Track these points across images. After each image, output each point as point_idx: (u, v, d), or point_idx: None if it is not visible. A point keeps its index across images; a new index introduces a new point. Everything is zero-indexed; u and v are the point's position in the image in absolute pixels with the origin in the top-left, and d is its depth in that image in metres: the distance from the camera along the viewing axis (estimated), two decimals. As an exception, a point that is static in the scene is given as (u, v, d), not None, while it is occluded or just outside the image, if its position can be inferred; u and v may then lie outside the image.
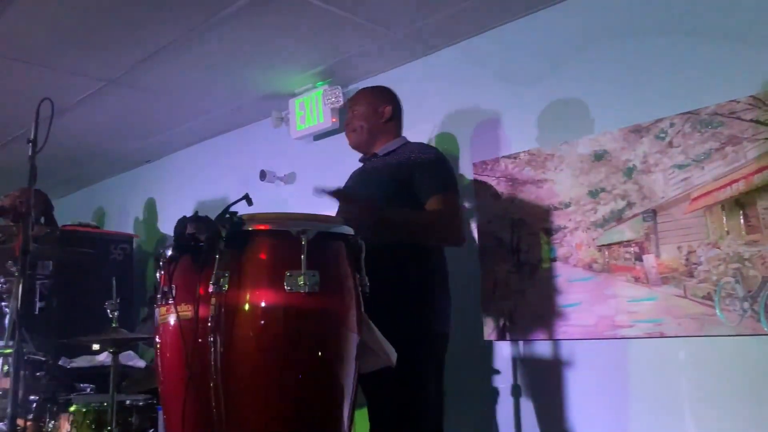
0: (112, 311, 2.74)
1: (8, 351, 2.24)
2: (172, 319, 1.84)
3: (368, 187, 2.36)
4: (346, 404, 1.58)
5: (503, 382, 2.92)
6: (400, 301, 2.12)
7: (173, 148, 4.93)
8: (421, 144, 2.42)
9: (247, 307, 1.54)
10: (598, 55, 2.76)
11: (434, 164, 2.29)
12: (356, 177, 2.50)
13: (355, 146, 2.48)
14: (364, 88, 2.62)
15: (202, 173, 4.74)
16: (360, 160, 2.52)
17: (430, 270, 2.29)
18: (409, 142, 2.45)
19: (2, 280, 3.21)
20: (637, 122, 2.60)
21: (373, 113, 2.44)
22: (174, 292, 1.84)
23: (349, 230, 1.68)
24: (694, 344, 2.39)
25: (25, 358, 2.91)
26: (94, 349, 3.50)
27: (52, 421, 2.86)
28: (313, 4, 2.85)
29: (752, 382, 2.25)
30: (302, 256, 1.51)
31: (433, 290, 2.27)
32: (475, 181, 3.11)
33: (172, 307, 1.82)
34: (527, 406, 2.83)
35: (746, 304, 2.26)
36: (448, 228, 2.23)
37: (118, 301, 2.77)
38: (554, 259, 2.80)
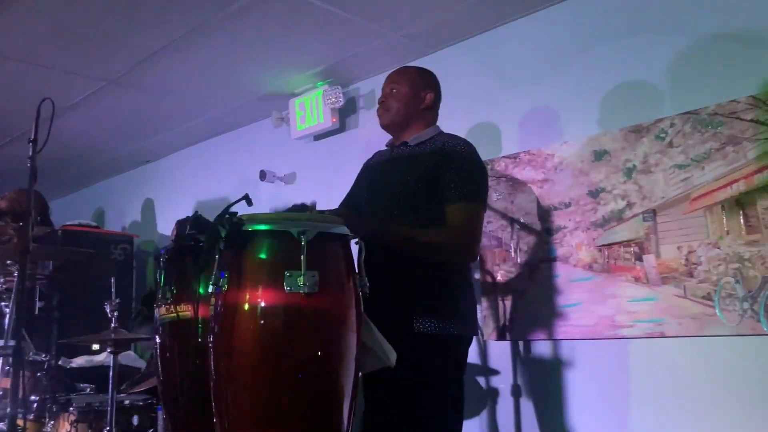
0: (111, 311, 2.74)
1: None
2: (171, 320, 1.85)
3: (394, 180, 2.17)
4: (346, 404, 1.58)
5: (503, 382, 2.92)
6: (416, 301, 2.02)
7: (173, 148, 4.94)
8: (455, 137, 2.19)
9: (246, 307, 1.54)
10: (599, 55, 2.76)
11: (466, 165, 2.09)
12: (384, 165, 2.29)
13: (386, 127, 2.27)
14: (408, 67, 2.40)
15: (202, 173, 4.74)
16: (387, 145, 2.33)
17: (449, 265, 2.10)
18: (443, 133, 2.24)
19: (2, 280, 3.21)
20: (638, 122, 2.60)
21: (413, 97, 2.22)
22: (174, 292, 1.85)
23: (349, 231, 1.67)
24: (694, 344, 2.39)
25: (26, 358, 2.91)
26: (93, 349, 3.50)
27: (52, 421, 2.86)
28: (313, 4, 2.85)
29: (752, 382, 2.25)
30: (302, 257, 1.51)
31: (451, 287, 2.09)
32: (475, 181, 3.11)
33: (172, 307, 1.82)
34: (527, 406, 2.83)
35: (746, 304, 2.26)
36: (461, 247, 2.05)
37: (118, 301, 2.78)
38: (554, 259, 2.80)
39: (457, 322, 2.06)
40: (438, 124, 2.29)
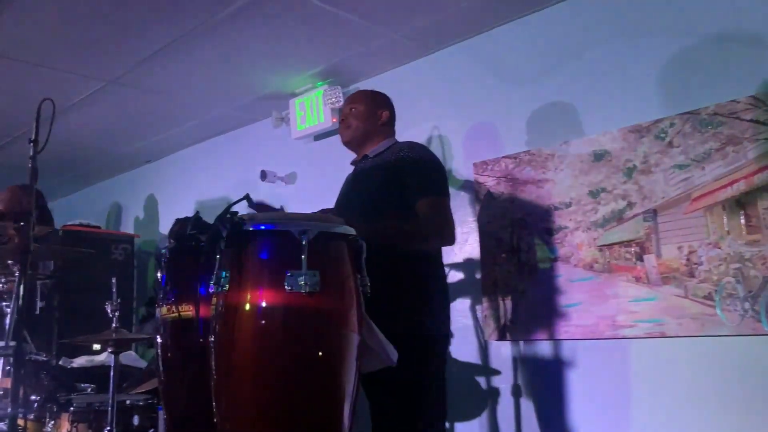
0: (112, 311, 2.74)
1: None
2: (173, 319, 1.85)
3: (361, 191, 2.37)
4: (346, 404, 1.58)
5: (503, 382, 2.92)
6: (397, 304, 2.11)
7: (173, 148, 4.94)
8: (410, 142, 2.41)
9: (247, 306, 1.54)
10: (599, 55, 2.76)
11: (423, 164, 2.28)
12: (349, 181, 2.51)
13: (348, 143, 2.49)
14: (363, 90, 2.65)
15: (203, 173, 4.74)
16: (352, 163, 2.52)
17: (427, 271, 2.29)
18: (398, 142, 2.45)
19: (3, 280, 3.20)
20: (638, 122, 2.60)
21: (371, 114, 2.45)
22: (175, 291, 1.85)
23: (350, 230, 1.67)
24: (694, 344, 2.39)
25: (26, 358, 2.91)
26: (94, 349, 3.50)
27: (53, 421, 2.85)
28: (313, 4, 2.85)
29: (753, 382, 2.25)
30: (303, 256, 1.51)
31: (431, 292, 2.27)
32: (476, 181, 3.11)
33: (174, 306, 1.83)
34: (527, 406, 2.83)
35: (747, 304, 2.26)
36: (438, 234, 2.24)
37: (119, 301, 2.77)
38: (555, 259, 2.80)
39: (436, 322, 2.23)
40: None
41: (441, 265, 2.38)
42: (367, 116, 2.44)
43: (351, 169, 2.55)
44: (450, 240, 2.28)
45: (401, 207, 2.21)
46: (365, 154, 2.44)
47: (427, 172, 2.27)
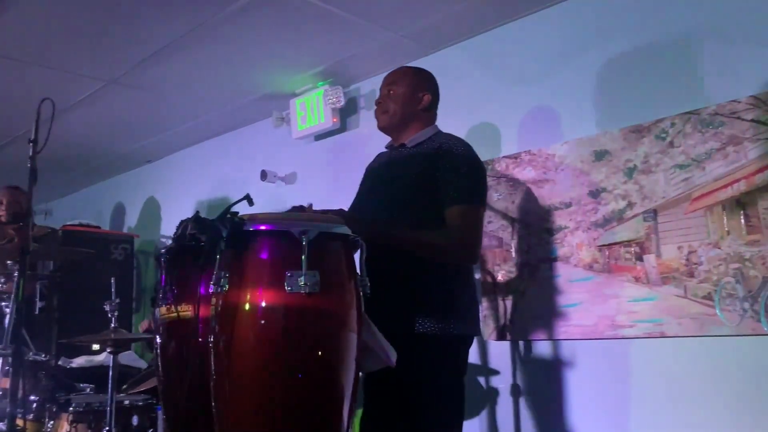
0: (111, 311, 2.74)
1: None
2: (172, 319, 1.85)
3: (392, 181, 2.18)
4: (346, 404, 1.58)
5: (503, 382, 2.92)
6: (417, 301, 2.01)
7: (173, 148, 4.94)
8: (453, 137, 2.17)
9: (247, 307, 1.54)
10: (599, 55, 2.76)
11: (464, 166, 2.06)
12: (382, 167, 2.28)
13: (384, 129, 2.25)
14: (406, 67, 2.36)
15: (203, 173, 4.74)
16: (386, 147, 2.32)
17: (450, 266, 2.08)
18: (440, 133, 2.21)
19: (2, 280, 3.21)
20: (638, 122, 2.60)
21: (411, 98, 2.20)
22: (174, 292, 1.85)
23: (350, 231, 1.67)
24: (694, 344, 2.39)
25: (25, 358, 2.91)
26: (93, 349, 3.50)
27: (52, 421, 2.85)
28: (313, 4, 2.85)
29: (752, 382, 2.25)
30: (303, 257, 1.51)
31: (452, 287, 2.08)
32: (476, 181, 3.11)
33: (173, 306, 1.82)
34: (527, 406, 2.83)
35: (747, 304, 2.26)
36: (463, 249, 2.03)
37: (118, 301, 2.78)
38: (555, 259, 2.80)
39: (458, 322, 2.05)
40: (437, 123, 2.28)
41: (467, 266, 2.17)
42: (407, 100, 2.19)
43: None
44: (471, 258, 2.10)
45: (432, 206, 2.04)
46: (403, 143, 2.21)
47: (465, 175, 2.05)
